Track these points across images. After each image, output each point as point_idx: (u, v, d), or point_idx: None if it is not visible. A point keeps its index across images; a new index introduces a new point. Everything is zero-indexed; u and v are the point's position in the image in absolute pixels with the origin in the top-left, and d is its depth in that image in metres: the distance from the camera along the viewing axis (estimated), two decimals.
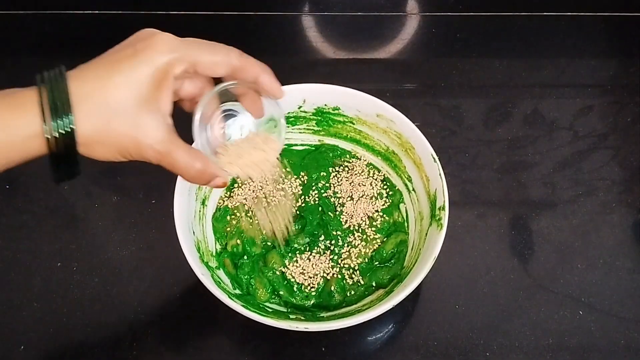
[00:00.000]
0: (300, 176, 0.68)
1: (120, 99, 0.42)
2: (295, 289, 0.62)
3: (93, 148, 0.43)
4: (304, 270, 0.62)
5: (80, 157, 0.43)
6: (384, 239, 0.64)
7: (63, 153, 0.42)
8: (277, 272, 0.62)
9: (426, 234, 0.61)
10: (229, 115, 0.51)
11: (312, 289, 0.62)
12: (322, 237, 0.65)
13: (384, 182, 0.68)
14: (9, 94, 0.41)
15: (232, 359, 0.63)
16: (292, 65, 0.85)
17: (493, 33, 0.87)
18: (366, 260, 0.63)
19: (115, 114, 0.42)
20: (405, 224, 0.66)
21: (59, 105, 0.40)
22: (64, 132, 0.40)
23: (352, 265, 0.63)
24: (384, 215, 0.66)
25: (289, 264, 0.62)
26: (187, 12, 0.86)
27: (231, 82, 0.48)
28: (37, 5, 0.87)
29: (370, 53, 0.86)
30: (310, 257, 0.63)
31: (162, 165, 0.45)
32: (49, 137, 0.40)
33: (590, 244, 0.69)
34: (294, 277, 0.62)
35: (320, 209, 0.66)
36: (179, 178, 0.59)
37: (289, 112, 0.68)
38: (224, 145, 0.51)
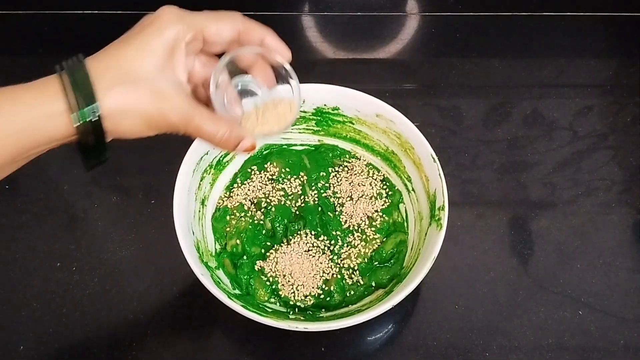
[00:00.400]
0: (300, 176, 0.68)
1: (136, 68, 0.42)
2: (295, 288, 0.62)
3: (119, 122, 0.42)
4: (304, 269, 0.62)
5: (109, 143, 0.43)
6: (384, 239, 0.64)
7: (92, 139, 0.42)
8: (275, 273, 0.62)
9: (426, 234, 0.61)
10: (242, 93, 0.51)
11: (312, 289, 0.62)
12: (322, 237, 0.65)
13: (384, 182, 0.68)
14: (31, 85, 0.42)
15: (232, 359, 0.63)
16: (292, 65, 0.85)
17: (493, 33, 0.87)
18: (366, 260, 0.63)
19: (134, 83, 0.42)
20: (405, 224, 0.66)
21: (82, 92, 0.40)
22: (90, 119, 0.41)
23: (352, 265, 0.63)
24: (384, 215, 0.66)
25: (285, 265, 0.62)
26: None
27: (238, 49, 0.48)
28: (37, 5, 0.87)
29: (369, 53, 0.86)
30: (310, 256, 0.63)
31: (188, 132, 0.45)
32: (77, 124, 0.40)
33: (590, 244, 0.69)
34: (292, 277, 0.62)
35: (319, 209, 0.66)
36: (179, 178, 0.59)
37: None
38: (243, 114, 0.50)
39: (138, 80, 0.42)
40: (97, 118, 0.41)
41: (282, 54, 0.49)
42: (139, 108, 0.42)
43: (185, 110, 0.44)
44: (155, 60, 0.43)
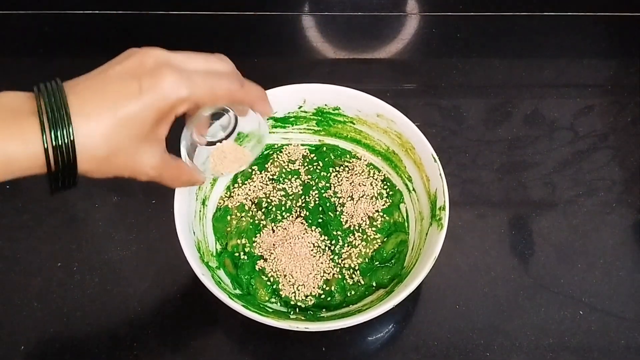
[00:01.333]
0: (301, 176, 0.68)
1: (122, 138, 0.42)
2: (295, 288, 0.62)
3: (90, 175, 0.44)
4: (305, 269, 0.62)
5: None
6: (384, 239, 0.64)
7: (62, 166, 0.41)
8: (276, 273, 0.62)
9: (426, 234, 0.61)
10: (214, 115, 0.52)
11: (313, 289, 0.62)
12: (323, 237, 0.65)
13: (384, 182, 0.68)
14: (4, 106, 0.41)
15: (232, 359, 0.63)
16: (292, 65, 0.85)
17: (493, 33, 0.87)
18: (366, 260, 0.63)
19: (116, 150, 0.43)
20: (406, 224, 0.66)
21: (58, 118, 0.40)
22: (63, 143, 0.40)
23: (353, 265, 0.63)
24: (384, 215, 0.66)
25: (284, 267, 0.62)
26: (186, 12, 0.86)
27: (207, 110, 0.49)
28: (37, 5, 0.87)
29: (370, 53, 0.86)
30: (311, 256, 0.63)
31: (152, 181, 0.48)
32: (47, 147, 0.40)
33: (591, 244, 0.69)
34: (293, 277, 0.62)
35: (320, 209, 0.66)
36: None
37: (289, 112, 0.68)
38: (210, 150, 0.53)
39: (120, 150, 0.43)
40: (71, 153, 0.41)
41: (265, 115, 0.52)
42: (113, 169, 0.44)
43: (155, 171, 0.46)
44: (142, 131, 0.43)
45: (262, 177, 0.68)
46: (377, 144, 0.68)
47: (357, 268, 0.63)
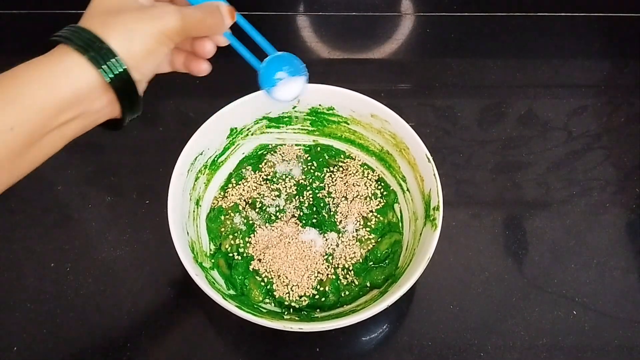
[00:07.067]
0: (295, 176, 0.68)
1: (113, 5, 0.45)
2: (289, 289, 0.62)
3: (133, 47, 0.44)
4: (299, 270, 0.62)
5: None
6: (379, 239, 0.65)
7: (124, 89, 0.44)
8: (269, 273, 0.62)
9: (420, 234, 0.61)
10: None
11: (307, 289, 0.62)
12: (317, 238, 0.64)
13: (379, 183, 0.68)
14: (42, 56, 0.43)
15: None
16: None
17: (487, 33, 0.87)
18: (360, 260, 0.63)
19: (121, 12, 0.44)
20: (400, 224, 0.66)
21: (98, 51, 0.42)
22: (117, 72, 0.43)
23: (347, 266, 0.63)
24: (379, 216, 0.66)
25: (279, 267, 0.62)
26: None
27: None
28: (37, 5, 0.87)
29: (364, 53, 0.86)
30: (305, 257, 0.63)
31: (187, 25, 0.46)
32: (109, 80, 0.42)
33: (584, 243, 0.69)
34: (287, 277, 0.62)
35: (314, 209, 0.66)
36: (173, 178, 0.59)
37: (283, 112, 0.68)
38: None
39: (122, 9, 0.44)
40: (123, 68, 0.43)
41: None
42: (139, 21, 0.44)
43: (173, 7, 0.46)
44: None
45: (256, 177, 0.68)
46: (371, 144, 0.68)
47: (351, 268, 0.63)
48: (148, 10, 0.45)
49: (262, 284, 0.62)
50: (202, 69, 0.52)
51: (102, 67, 0.42)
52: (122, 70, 0.43)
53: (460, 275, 0.67)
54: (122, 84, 0.43)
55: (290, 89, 0.60)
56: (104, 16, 0.44)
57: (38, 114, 0.40)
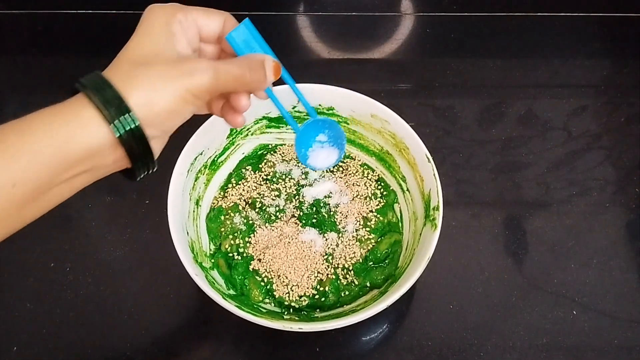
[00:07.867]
0: (295, 176, 0.68)
1: (144, 54, 0.42)
2: (289, 289, 0.62)
3: (155, 107, 0.41)
4: (299, 270, 0.62)
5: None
6: (378, 239, 0.65)
7: (136, 146, 0.41)
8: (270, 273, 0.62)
9: (420, 234, 0.61)
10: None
11: (307, 289, 0.62)
12: (317, 238, 0.64)
13: (378, 183, 0.68)
14: (58, 105, 0.40)
15: (226, 359, 0.63)
16: (287, 65, 0.84)
17: (487, 33, 0.87)
18: (360, 260, 0.63)
19: (149, 64, 0.41)
20: (400, 224, 0.66)
21: (114, 104, 0.39)
22: (129, 128, 0.40)
23: (347, 266, 0.63)
24: (378, 216, 0.66)
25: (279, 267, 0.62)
26: None
27: None
28: (36, 5, 0.87)
29: (364, 53, 0.86)
30: (305, 257, 0.63)
31: (221, 84, 0.43)
32: (119, 135, 0.40)
33: (584, 243, 0.69)
34: (287, 277, 0.62)
35: (314, 209, 0.66)
36: (173, 178, 0.59)
37: None
38: None
39: (151, 61, 0.42)
40: (136, 124, 0.40)
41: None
42: (165, 78, 0.41)
43: (206, 63, 0.43)
44: (155, 38, 0.43)
45: (255, 177, 0.68)
46: (371, 144, 0.68)
47: (351, 268, 0.63)
48: (178, 65, 0.42)
49: (262, 284, 0.62)
50: (238, 122, 0.49)
51: (114, 122, 0.39)
52: (134, 126, 0.40)
53: (460, 275, 0.67)
54: (134, 141, 0.41)
55: (325, 157, 0.56)
56: (132, 67, 0.41)
57: (44, 170, 0.39)
